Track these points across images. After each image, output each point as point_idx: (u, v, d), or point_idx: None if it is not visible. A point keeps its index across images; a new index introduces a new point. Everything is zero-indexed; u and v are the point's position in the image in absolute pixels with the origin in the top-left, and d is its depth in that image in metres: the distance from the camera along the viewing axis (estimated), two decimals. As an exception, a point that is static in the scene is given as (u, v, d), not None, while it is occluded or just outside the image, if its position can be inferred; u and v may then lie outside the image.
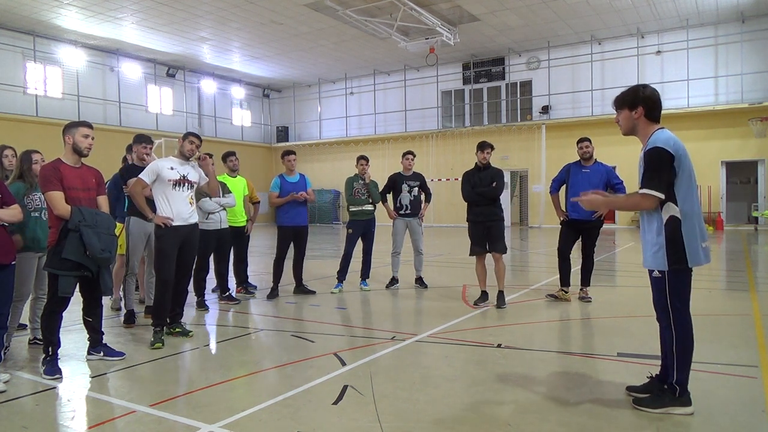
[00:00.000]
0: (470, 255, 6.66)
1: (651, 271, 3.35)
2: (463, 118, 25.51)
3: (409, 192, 7.83)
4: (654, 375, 3.58)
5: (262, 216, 10.97)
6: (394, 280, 7.98)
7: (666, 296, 3.29)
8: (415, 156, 7.97)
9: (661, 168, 3.19)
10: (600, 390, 3.73)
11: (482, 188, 6.51)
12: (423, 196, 7.95)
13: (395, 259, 7.95)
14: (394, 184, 7.85)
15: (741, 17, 19.19)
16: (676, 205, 3.21)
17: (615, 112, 3.49)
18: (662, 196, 3.19)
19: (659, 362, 3.82)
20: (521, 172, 23.34)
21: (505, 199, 6.64)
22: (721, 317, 5.96)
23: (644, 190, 3.21)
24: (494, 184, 6.52)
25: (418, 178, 7.93)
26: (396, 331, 5.39)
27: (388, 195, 7.92)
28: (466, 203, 6.67)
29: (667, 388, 3.35)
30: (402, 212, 7.82)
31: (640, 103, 3.34)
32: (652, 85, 3.49)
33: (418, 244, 7.95)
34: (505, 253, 6.62)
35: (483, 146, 6.62)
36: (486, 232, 6.51)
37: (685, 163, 3.23)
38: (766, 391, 3.64)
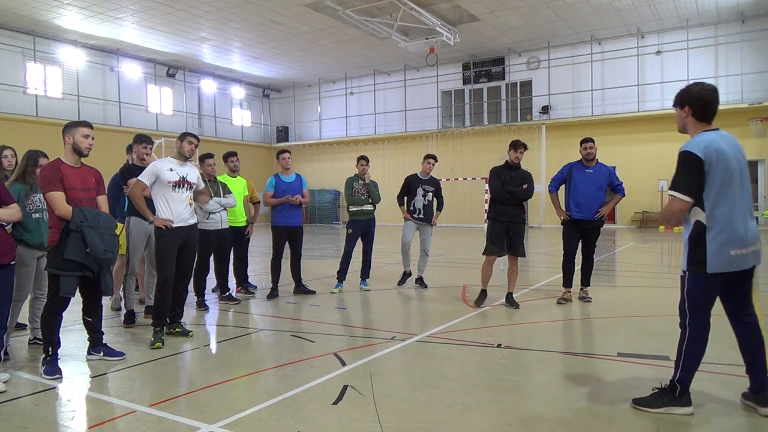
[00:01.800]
0: (485, 254, 6.48)
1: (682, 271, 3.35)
2: (463, 118, 25.51)
3: (423, 196, 7.82)
4: (661, 386, 3.40)
5: (262, 216, 10.92)
6: (406, 276, 7.98)
7: (684, 297, 3.29)
8: (436, 161, 7.92)
9: (686, 171, 3.14)
10: (600, 390, 3.73)
11: (513, 187, 6.39)
12: (435, 203, 7.95)
13: (406, 253, 7.95)
14: (409, 185, 7.83)
15: (741, 17, 19.20)
16: (703, 211, 3.16)
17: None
18: (688, 198, 3.13)
19: (659, 362, 3.83)
20: (521, 172, 23.33)
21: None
22: (721, 317, 5.94)
23: (670, 192, 3.21)
24: (525, 186, 6.44)
25: (434, 183, 7.92)
26: (396, 331, 5.39)
27: (405, 197, 7.90)
28: (489, 200, 6.54)
29: (668, 386, 3.32)
30: (415, 215, 7.83)
31: (687, 103, 3.30)
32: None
33: (426, 245, 7.96)
34: (525, 257, 6.57)
35: (516, 145, 6.47)
36: (507, 234, 6.40)
37: (720, 169, 3.12)
38: (766, 391, 3.63)
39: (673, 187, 3.18)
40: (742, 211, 3.18)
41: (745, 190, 3.23)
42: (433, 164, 7.83)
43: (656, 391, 3.36)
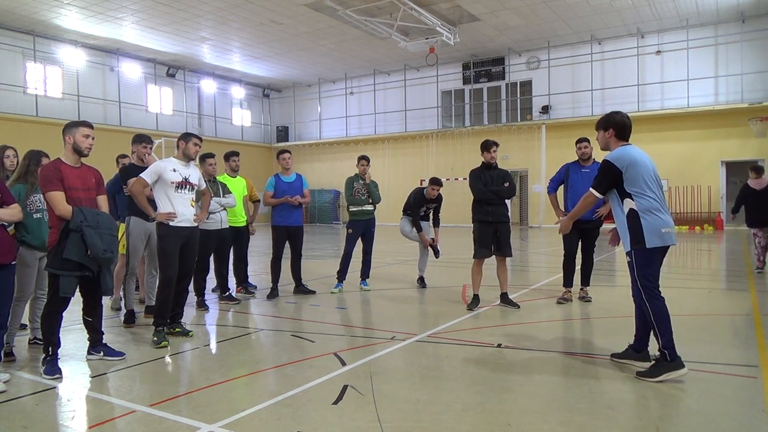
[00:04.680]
0: (476, 258, 6.44)
1: (627, 255, 4.06)
2: (463, 118, 25.51)
3: (425, 212, 7.99)
4: (656, 357, 3.97)
5: (262, 216, 10.89)
6: (422, 280, 8.08)
7: (634, 273, 4.00)
8: (442, 185, 7.91)
9: (603, 175, 4.11)
10: (600, 390, 3.73)
11: (495, 187, 6.39)
12: (431, 214, 8.03)
13: (423, 257, 8.07)
14: (415, 204, 7.84)
15: (741, 17, 19.19)
16: (633, 201, 3.99)
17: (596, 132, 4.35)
18: (600, 195, 4.16)
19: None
20: (521, 172, 23.35)
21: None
22: (721, 317, 5.96)
23: (591, 189, 4.20)
24: (506, 185, 6.43)
25: (437, 199, 7.93)
26: (396, 331, 5.39)
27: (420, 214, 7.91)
28: (472, 203, 6.51)
29: (659, 355, 3.89)
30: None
31: (612, 126, 4.24)
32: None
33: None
34: (512, 256, 6.57)
35: (488, 145, 6.48)
36: (495, 234, 6.38)
37: (636, 170, 3.98)
38: (766, 391, 3.64)
39: (592, 186, 4.18)
40: (662, 202, 4.04)
41: (661, 187, 4.11)
42: (438, 190, 7.80)
43: (653, 363, 3.93)
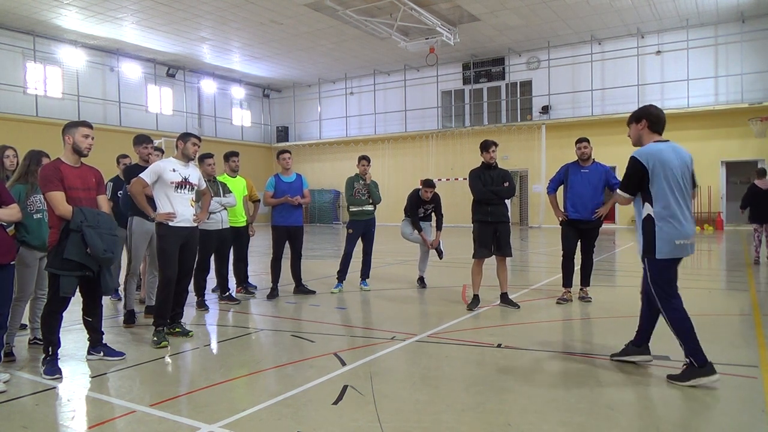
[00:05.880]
0: (475, 257, 6.43)
1: (641, 260, 3.94)
2: (463, 118, 25.52)
3: (424, 213, 7.96)
4: (687, 362, 3.78)
5: (262, 216, 10.87)
6: (422, 281, 8.07)
7: (647, 281, 3.88)
8: (435, 186, 7.92)
9: (631, 174, 3.85)
10: (600, 390, 3.73)
11: (495, 187, 6.39)
12: (434, 215, 8.02)
13: (423, 259, 8.05)
14: (414, 205, 7.85)
15: (741, 17, 19.20)
16: (651, 206, 3.81)
17: (628, 128, 4.10)
18: (627, 195, 3.91)
19: (659, 362, 3.84)
20: (521, 172, 23.36)
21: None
22: (721, 317, 5.96)
23: (618, 191, 4.00)
24: (506, 184, 6.44)
25: (434, 200, 7.91)
26: (396, 331, 5.39)
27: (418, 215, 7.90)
28: (472, 203, 6.50)
29: (689, 362, 3.74)
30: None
31: (644, 117, 3.97)
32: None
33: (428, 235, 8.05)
34: (512, 256, 6.56)
35: (487, 146, 6.47)
36: (495, 234, 6.38)
37: (662, 172, 3.76)
38: (766, 391, 3.64)
39: (620, 187, 3.97)
40: (684, 209, 3.81)
41: (687, 192, 3.86)
42: (432, 191, 7.80)
43: (684, 367, 3.77)
